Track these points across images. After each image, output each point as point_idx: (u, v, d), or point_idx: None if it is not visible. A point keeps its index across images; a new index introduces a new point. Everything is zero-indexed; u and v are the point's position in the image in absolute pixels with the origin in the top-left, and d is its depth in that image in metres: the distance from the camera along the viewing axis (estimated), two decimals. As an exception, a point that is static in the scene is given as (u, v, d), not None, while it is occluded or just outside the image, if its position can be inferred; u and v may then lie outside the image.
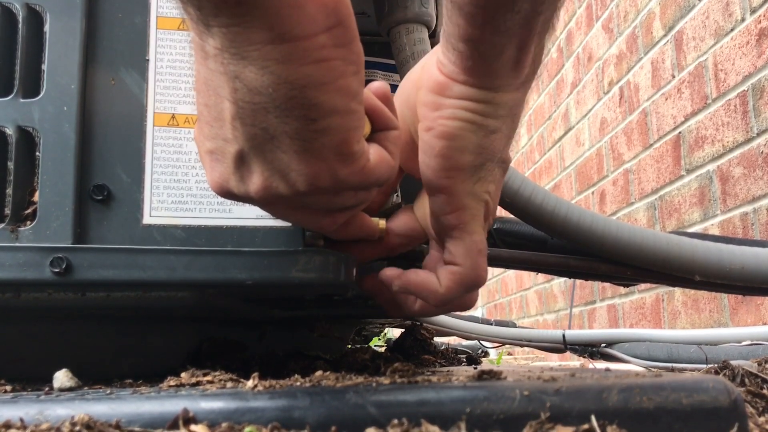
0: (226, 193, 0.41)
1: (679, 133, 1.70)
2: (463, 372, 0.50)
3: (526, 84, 0.46)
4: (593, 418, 0.35)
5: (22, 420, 0.35)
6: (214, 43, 0.34)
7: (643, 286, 1.87)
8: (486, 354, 1.82)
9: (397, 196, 0.56)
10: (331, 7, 0.34)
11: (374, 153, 0.41)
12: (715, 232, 1.53)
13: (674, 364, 1.03)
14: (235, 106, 0.36)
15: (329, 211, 0.43)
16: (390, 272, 0.51)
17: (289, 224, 0.51)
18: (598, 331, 1.33)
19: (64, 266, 0.47)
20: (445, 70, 0.45)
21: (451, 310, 0.54)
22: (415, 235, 0.52)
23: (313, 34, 0.34)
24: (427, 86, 0.46)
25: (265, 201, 0.40)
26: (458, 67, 0.44)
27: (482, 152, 0.46)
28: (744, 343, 1.01)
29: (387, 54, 0.67)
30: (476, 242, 0.47)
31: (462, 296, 0.49)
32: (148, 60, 0.52)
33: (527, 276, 3.08)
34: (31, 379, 0.51)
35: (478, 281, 0.48)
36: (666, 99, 1.77)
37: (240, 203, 0.51)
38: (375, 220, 0.50)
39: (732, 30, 1.48)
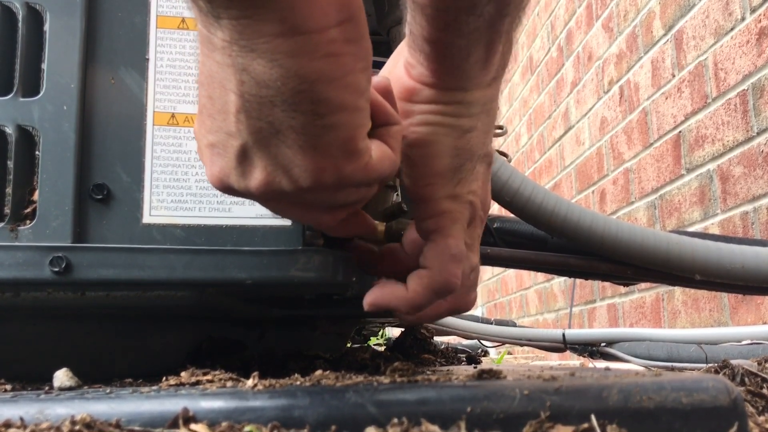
0: (226, 188, 0.40)
1: (679, 132, 1.70)
2: (463, 371, 0.50)
3: (497, 79, 0.45)
4: (593, 418, 0.35)
5: (22, 419, 0.35)
6: (223, 35, 0.34)
7: (643, 285, 1.87)
8: (486, 353, 1.82)
9: (397, 195, 0.56)
10: (343, 2, 0.34)
11: (377, 149, 0.40)
12: (716, 231, 1.53)
13: (674, 364, 1.03)
14: (241, 99, 0.36)
15: (330, 207, 0.42)
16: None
17: (289, 223, 0.51)
18: (598, 330, 1.33)
19: (63, 265, 0.47)
20: (414, 73, 0.45)
21: (439, 315, 0.51)
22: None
23: (324, 28, 0.34)
24: (397, 93, 0.45)
25: (266, 196, 0.40)
26: (426, 68, 0.44)
27: (459, 153, 0.45)
28: (744, 342, 1.01)
29: (387, 54, 0.67)
30: (449, 246, 0.45)
31: (432, 301, 0.46)
32: (147, 59, 0.52)
33: (527, 275, 3.08)
34: (31, 379, 0.51)
35: (448, 286, 0.45)
36: (666, 98, 1.77)
37: (239, 201, 0.51)
38: (375, 222, 0.50)
39: (732, 29, 1.48)
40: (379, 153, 0.40)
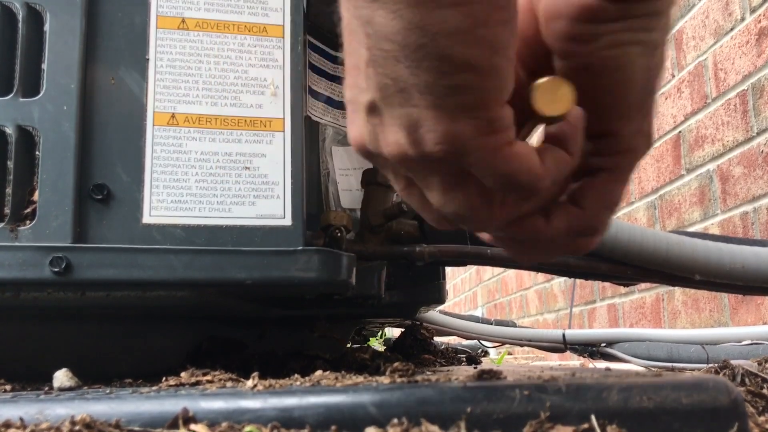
0: (363, 150, 0.37)
1: (679, 132, 1.70)
2: (463, 371, 0.50)
3: None
4: (593, 418, 0.35)
5: (21, 419, 0.35)
6: None
7: (643, 285, 1.87)
8: (486, 354, 1.82)
9: (397, 195, 0.56)
10: None
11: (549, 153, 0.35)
12: (716, 231, 1.53)
13: (674, 364, 1.03)
14: (369, 53, 0.33)
15: (484, 193, 0.36)
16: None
17: (289, 224, 0.51)
18: (598, 330, 1.33)
19: (63, 266, 0.47)
20: None
21: (561, 252, 0.42)
22: (568, 166, 0.40)
23: None
24: (568, 14, 0.37)
25: (397, 160, 0.36)
26: None
27: (651, 76, 0.38)
28: (744, 342, 1.01)
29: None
30: (615, 192, 0.40)
31: (564, 241, 0.40)
32: (147, 59, 0.52)
33: (527, 275, 3.08)
34: (31, 379, 0.51)
35: (594, 233, 0.40)
36: (666, 98, 1.77)
37: (239, 201, 0.51)
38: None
39: (732, 29, 1.48)
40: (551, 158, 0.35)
